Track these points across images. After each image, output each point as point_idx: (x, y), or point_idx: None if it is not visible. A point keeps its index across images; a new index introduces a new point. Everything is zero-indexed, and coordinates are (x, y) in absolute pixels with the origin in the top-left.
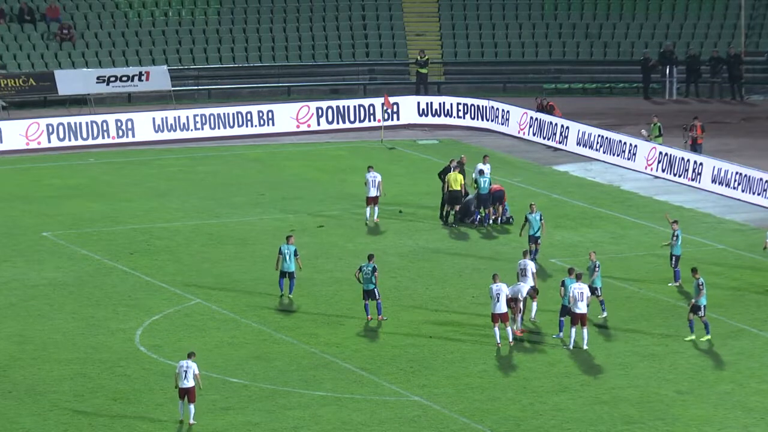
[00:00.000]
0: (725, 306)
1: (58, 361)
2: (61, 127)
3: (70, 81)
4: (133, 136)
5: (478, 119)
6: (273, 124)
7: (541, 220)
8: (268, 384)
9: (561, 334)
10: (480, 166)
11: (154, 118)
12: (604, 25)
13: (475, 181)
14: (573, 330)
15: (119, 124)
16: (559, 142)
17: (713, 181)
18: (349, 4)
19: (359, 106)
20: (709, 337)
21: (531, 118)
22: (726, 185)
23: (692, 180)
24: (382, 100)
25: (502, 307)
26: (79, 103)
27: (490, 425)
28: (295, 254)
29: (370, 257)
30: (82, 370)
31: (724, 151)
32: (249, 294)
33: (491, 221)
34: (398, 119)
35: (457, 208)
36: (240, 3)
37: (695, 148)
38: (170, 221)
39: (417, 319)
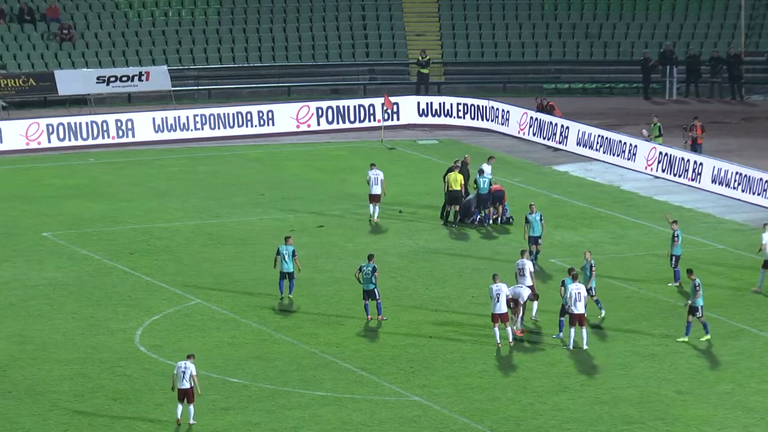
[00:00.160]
0: (725, 306)
1: (58, 361)
2: (61, 127)
3: (70, 81)
4: (133, 136)
5: (478, 119)
6: (273, 124)
7: (541, 220)
8: (268, 384)
9: (561, 334)
10: (484, 165)
11: (154, 118)
12: (604, 25)
13: (475, 181)
14: (572, 330)
15: (119, 124)
16: (559, 142)
17: (713, 181)
18: (349, 4)
19: (359, 106)
20: (708, 336)
21: (531, 118)
22: (726, 185)
23: (692, 180)
24: (382, 100)
25: (502, 307)
26: (79, 103)
27: (490, 425)
28: (294, 255)
29: (370, 257)
30: (82, 370)
31: (724, 151)
32: (249, 294)
33: (491, 221)
34: (398, 119)
35: (457, 208)
36: (240, 3)
37: (695, 148)
38: (170, 221)
39: (417, 319)
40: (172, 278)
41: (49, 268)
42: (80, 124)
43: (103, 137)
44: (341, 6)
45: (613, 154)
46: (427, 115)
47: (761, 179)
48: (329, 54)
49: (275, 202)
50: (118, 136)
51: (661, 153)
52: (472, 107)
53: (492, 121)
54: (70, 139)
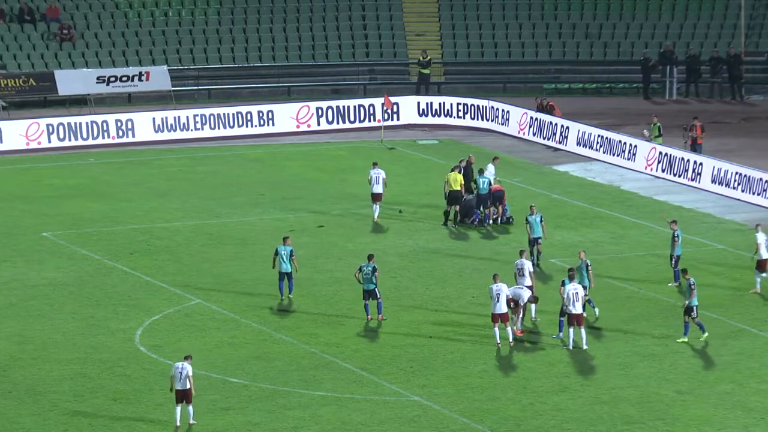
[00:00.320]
0: (725, 306)
1: (58, 361)
2: (61, 127)
3: (70, 81)
4: (133, 136)
5: (478, 119)
6: (273, 124)
7: (541, 222)
8: (268, 384)
9: (561, 334)
10: (489, 165)
11: (154, 118)
12: (604, 25)
13: (475, 181)
14: (571, 330)
15: (119, 124)
16: (559, 142)
17: (713, 181)
18: (349, 4)
19: (359, 106)
20: (706, 335)
21: (531, 118)
22: (726, 185)
23: (692, 180)
24: (382, 100)
25: (502, 307)
26: (79, 103)
27: (490, 425)
28: (291, 255)
29: (370, 257)
30: (82, 370)
31: (724, 151)
32: (249, 294)
33: (491, 221)
34: (398, 119)
35: (458, 208)
36: (240, 3)
37: (695, 148)
38: (170, 221)
39: (417, 319)
40: (172, 278)
41: (49, 268)
42: (80, 124)
43: (103, 137)
44: (341, 6)
45: (613, 154)
46: (427, 115)
47: (761, 179)
48: (329, 54)
49: (275, 202)
50: (118, 136)
51: (661, 153)
52: (472, 107)
53: (492, 121)
54: (70, 139)
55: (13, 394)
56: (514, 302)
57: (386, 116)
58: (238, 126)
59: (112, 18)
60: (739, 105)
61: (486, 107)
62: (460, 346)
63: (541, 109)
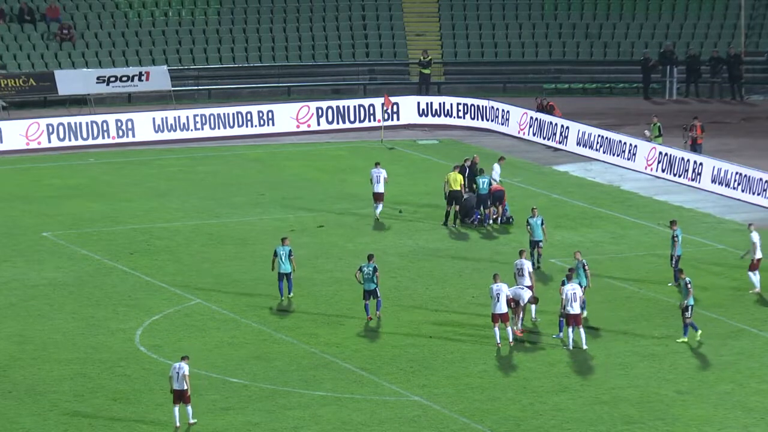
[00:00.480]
0: (725, 306)
1: (58, 361)
2: (61, 127)
3: (70, 81)
4: (133, 136)
5: (478, 119)
6: (273, 124)
7: (542, 225)
8: (268, 384)
9: (561, 334)
10: (495, 165)
11: (154, 118)
12: (604, 25)
13: (475, 181)
14: (570, 330)
15: (119, 124)
16: (559, 142)
17: (713, 181)
18: (349, 4)
19: (359, 106)
20: (699, 332)
21: (531, 118)
22: (726, 185)
23: (692, 180)
24: (382, 100)
25: (503, 307)
26: (79, 103)
27: (490, 425)
28: (290, 255)
29: (370, 257)
30: (82, 370)
31: (724, 151)
32: (249, 294)
33: (491, 221)
34: (398, 119)
35: (458, 207)
36: (240, 3)
37: (695, 148)
38: (170, 221)
39: (417, 319)
40: (172, 278)
41: (49, 268)
42: (80, 124)
43: (103, 137)
44: (341, 6)
45: (613, 154)
46: (427, 115)
47: (761, 179)
48: (329, 54)
49: (275, 202)
50: (118, 136)
51: (661, 153)
52: (472, 107)
53: (492, 121)
54: (70, 139)
55: (13, 394)
56: (514, 302)
57: (386, 116)
58: (238, 126)
59: (112, 18)
60: (739, 105)
61: (486, 107)
62: (460, 346)
63: (541, 109)
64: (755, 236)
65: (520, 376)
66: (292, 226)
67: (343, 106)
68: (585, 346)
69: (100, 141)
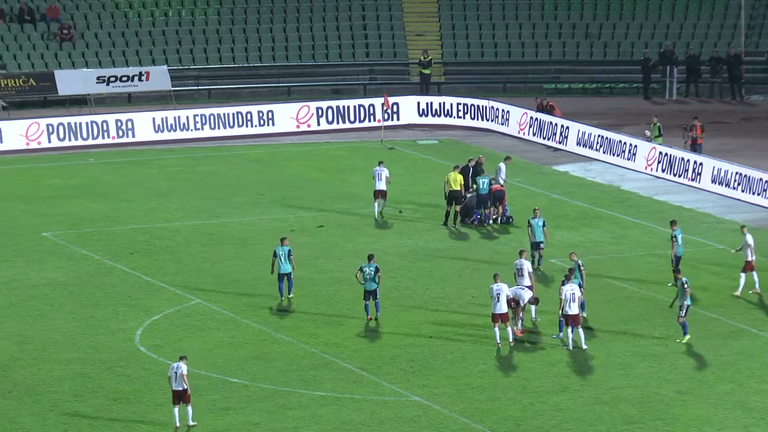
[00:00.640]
0: (725, 306)
1: (58, 361)
2: (61, 127)
3: (70, 81)
4: (133, 136)
5: (478, 119)
6: (273, 124)
7: (543, 227)
8: (268, 384)
9: (561, 334)
10: (501, 165)
11: (154, 118)
12: (604, 25)
13: (475, 181)
14: (569, 330)
15: (119, 124)
16: (559, 142)
17: (713, 181)
18: (349, 4)
19: (359, 106)
20: (687, 337)
21: (531, 118)
22: (726, 185)
23: (692, 180)
24: (382, 100)
25: (503, 307)
26: (79, 103)
27: (490, 425)
28: (289, 255)
29: (371, 257)
30: (82, 370)
31: (724, 151)
32: (249, 294)
33: (491, 221)
34: (398, 119)
35: (458, 208)
36: (240, 3)
37: (695, 148)
38: (170, 221)
39: (417, 319)
40: (172, 278)
41: (49, 268)
42: (80, 124)
43: (103, 137)
44: (341, 6)
45: (613, 154)
46: (427, 115)
47: (761, 179)
48: (329, 54)
49: (275, 202)
50: (118, 136)
51: (661, 153)
52: (472, 107)
53: (492, 121)
54: (70, 139)
55: (13, 394)
56: (514, 302)
57: (386, 116)
58: (238, 126)
59: (112, 18)
60: (739, 105)
61: (486, 107)
62: (460, 346)
63: (541, 109)
64: (750, 238)
65: (520, 376)
66: (292, 226)
67: (343, 106)
68: (585, 346)
69: (100, 141)
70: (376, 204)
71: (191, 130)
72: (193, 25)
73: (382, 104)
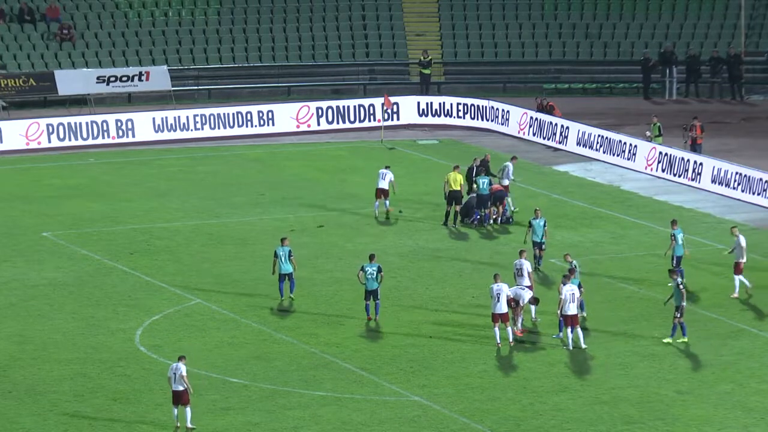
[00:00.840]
0: (725, 306)
1: (58, 361)
2: (61, 127)
3: (70, 81)
4: (133, 136)
5: (478, 119)
6: (273, 124)
7: (544, 226)
8: (268, 384)
9: (561, 334)
10: (507, 164)
11: (154, 118)
12: (604, 25)
13: (475, 181)
14: (569, 331)
15: (119, 124)
16: (559, 142)
17: (713, 181)
18: (349, 4)
19: (359, 106)
20: (672, 338)
21: (531, 118)
22: (726, 185)
23: (692, 180)
24: (382, 100)
25: (503, 307)
26: (79, 103)
27: (490, 425)
28: (290, 255)
29: (372, 257)
30: (82, 370)
31: (724, 151)
32: (249, 294)
33: (491, 221)
34: (398, 119)
35: (458, 208)
36: (240, 3)
37: (695, 148)
38: (170, 221)
39: (417, 319)
40: (172, 278)
41: (49, 268)
42: (80, 124)
43: (103, 137)
44: (341, 6)
45: (613, 154)
46: (427, 115)
47: (761, 179)
48: (329, 54)
49: (275, 202)
50: (118, 136)
51: (661, 153)
52: (472, 107)
53: (492, 121)
54: (70, 139)
55: (13, 394)
56: (515, 302)
57: (386, 116)
58: (238, 126)
59: (112, 18)
60: (739, 105)
61: (486, 107)
62: (460, 346)
63: (541, 109)
64: (743, 240)
65: (520, 376)
66: (292, 226)
67: (343, 106)
68: (584, 346)
69: (100, 141)
70: (377, 203)
71: (191, 130)
72: (193, 25)
73: (382, 104)
